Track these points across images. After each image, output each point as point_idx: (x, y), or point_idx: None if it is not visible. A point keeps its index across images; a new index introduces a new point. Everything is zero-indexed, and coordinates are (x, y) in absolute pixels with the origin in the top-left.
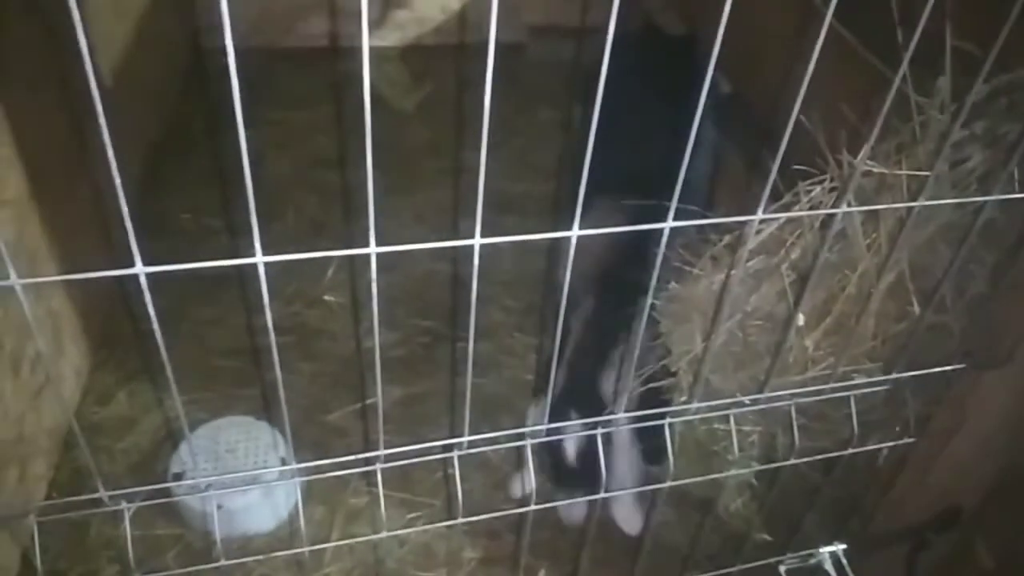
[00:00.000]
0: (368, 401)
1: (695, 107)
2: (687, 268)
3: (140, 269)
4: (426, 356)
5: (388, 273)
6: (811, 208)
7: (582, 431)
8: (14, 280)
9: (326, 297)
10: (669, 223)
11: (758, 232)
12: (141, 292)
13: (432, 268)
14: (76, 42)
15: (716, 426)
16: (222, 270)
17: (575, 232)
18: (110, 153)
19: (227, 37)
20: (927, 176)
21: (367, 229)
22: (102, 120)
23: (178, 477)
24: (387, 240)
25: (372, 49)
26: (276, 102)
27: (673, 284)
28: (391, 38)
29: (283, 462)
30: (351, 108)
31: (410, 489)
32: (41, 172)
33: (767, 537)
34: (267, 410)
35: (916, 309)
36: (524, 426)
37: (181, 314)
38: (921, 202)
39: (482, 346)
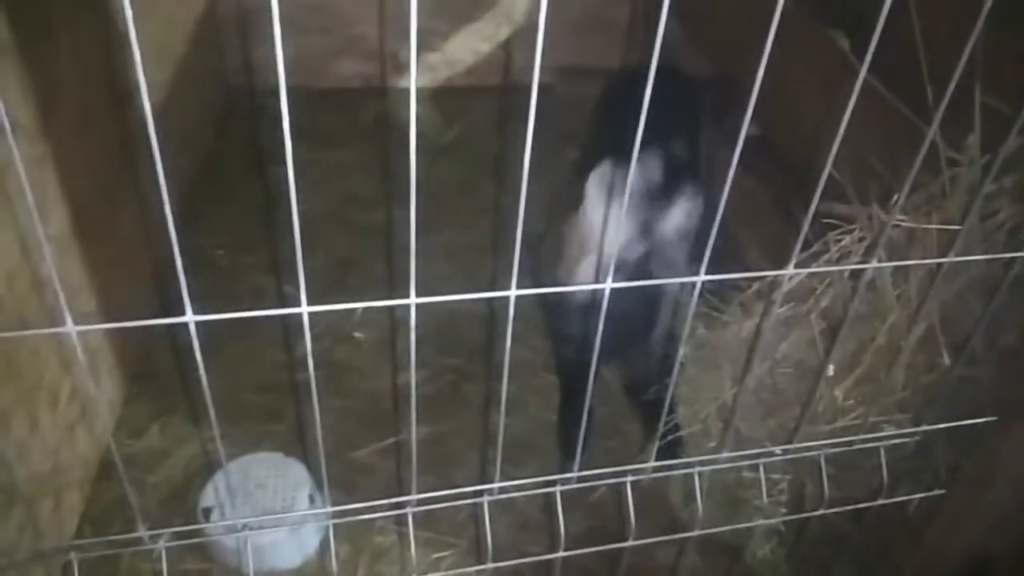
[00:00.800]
0: (393, 440)
1: (723, 148)
2: (715, 314)
3: (191, 318)
4: (452, 394)
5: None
6: (840, 257)
7: (611, 479)
8: (70, 327)
9: (356, 334)
10: (702, 276)
11: (788, 280)
12: (178, 328)
13: (458, 307)
14: (122, 85)
15: (745, 474)
16: (257, 304)
17: (608, 284)
18: (167, 208)
19: (281, 82)
20: (957, 230)
21: (399, 270)
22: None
23: (208, 512)
24: (418, 278)
25: (403, 90)
26: (309, 141)
27: (701, 330)
28: (422, 80)
29: (311, 499)
30: (383, 147)
31: (435, 528)
32: (83, 208)
33: None
34: (296, 446)
35: (946, 361)
36: (551, 468)
37: (212, 348)
38: (951, 258)
39: (509, 386)
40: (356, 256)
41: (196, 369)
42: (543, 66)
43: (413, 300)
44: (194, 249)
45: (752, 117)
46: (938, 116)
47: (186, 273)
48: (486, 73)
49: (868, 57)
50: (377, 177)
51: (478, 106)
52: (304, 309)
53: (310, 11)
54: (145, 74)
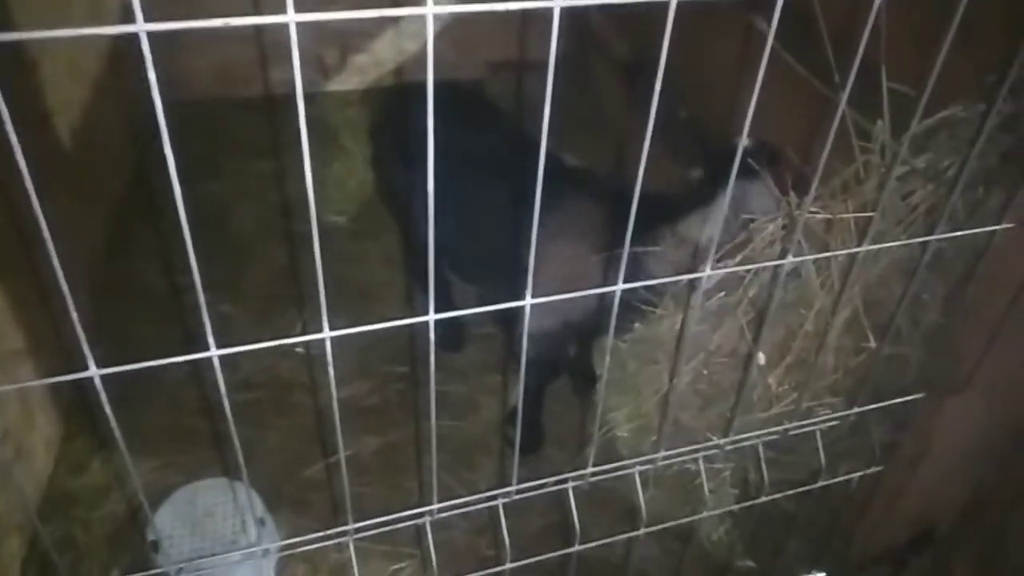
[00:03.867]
0: (335, 458)
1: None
2: (649, 309)
3: (94, 372)
4: (401, 402)
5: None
6: (764, 247)
7: (552, 487)
8: None
9: (298, 348)
10: (620, 286)
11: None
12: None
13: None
14: (36, 109)
15: (688, 466)
16: (194, 320)
17: (528, 301)
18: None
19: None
20: (872, 216)
21: (336, 279)
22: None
23: (156, 545)
24: (355, 288)
25: (333, 93)
26: (239, 152)
27: (637, 325)
28: (352, 82)
29: (262, 522)
30: (313, 155)
31: (390, 540)
32: (2, 246)
33: (751, 564)
34: (243, 470)
35: (872, 343)
36: (498, 477)
37: (153, 373)
38: (865, 247)
39: (458, 388)
40: (295, 267)
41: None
42: (473, 62)
43: (327, 334)
44: (126, 272)
45: (679, 100)
46: (843, 101)
47: (117, 298)
48: (414, 71)
49: (772, 29)
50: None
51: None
52: (214, 353)
53: (232, 11)
54: (59, 97)
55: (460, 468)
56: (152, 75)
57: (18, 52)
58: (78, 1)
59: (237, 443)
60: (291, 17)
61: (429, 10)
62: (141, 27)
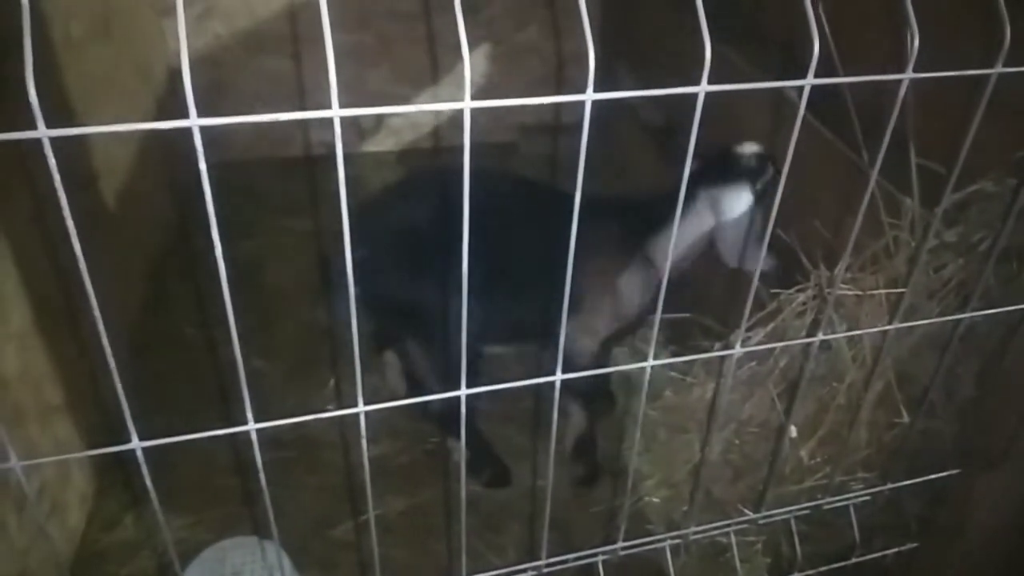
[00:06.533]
0: (363, 518)
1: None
2: (680, 377)
3: (136, 444)
4: (429, 464)
5: None
6: (795, 318)
7: (582, 560)
8: (15, 463)
9: (329, 407)
10: (650, 362)
11: (745, 340)
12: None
13: None
14: (81, 171)
15: (719, 539)
16: (225, 382)
17: (559, 377)
18: (106, 348)
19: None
20: (903, 292)
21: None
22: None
23: None
24: None
25: (370, 154)
26: (278, 210)
27: (668, 393)
28: (388, 143)
29: None
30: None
31: None
32: (45, 302)
33: None
34: (274, 531)
35: (905, 418)
36: (530, 546)
37: (185, 429)
38: (897, 324)
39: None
40: (328, 326)
41: (169, 451)
42: (507, 125)
43: (362, 408)
44: (164, 329)
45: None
46: (873, 178)
47: (156, 354)
48: (450, 134)
49: (800, 115)
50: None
51: (446, 165)
52: (252, 427)
53: (273, 82)
54: (104, 158)
55: (488, 532)
56: (203, 165)
57: (68, 116)
58: (125, 65)
59: (269, 505)
60: (335, 112)
61: (467, 104)
62: (195, 122)
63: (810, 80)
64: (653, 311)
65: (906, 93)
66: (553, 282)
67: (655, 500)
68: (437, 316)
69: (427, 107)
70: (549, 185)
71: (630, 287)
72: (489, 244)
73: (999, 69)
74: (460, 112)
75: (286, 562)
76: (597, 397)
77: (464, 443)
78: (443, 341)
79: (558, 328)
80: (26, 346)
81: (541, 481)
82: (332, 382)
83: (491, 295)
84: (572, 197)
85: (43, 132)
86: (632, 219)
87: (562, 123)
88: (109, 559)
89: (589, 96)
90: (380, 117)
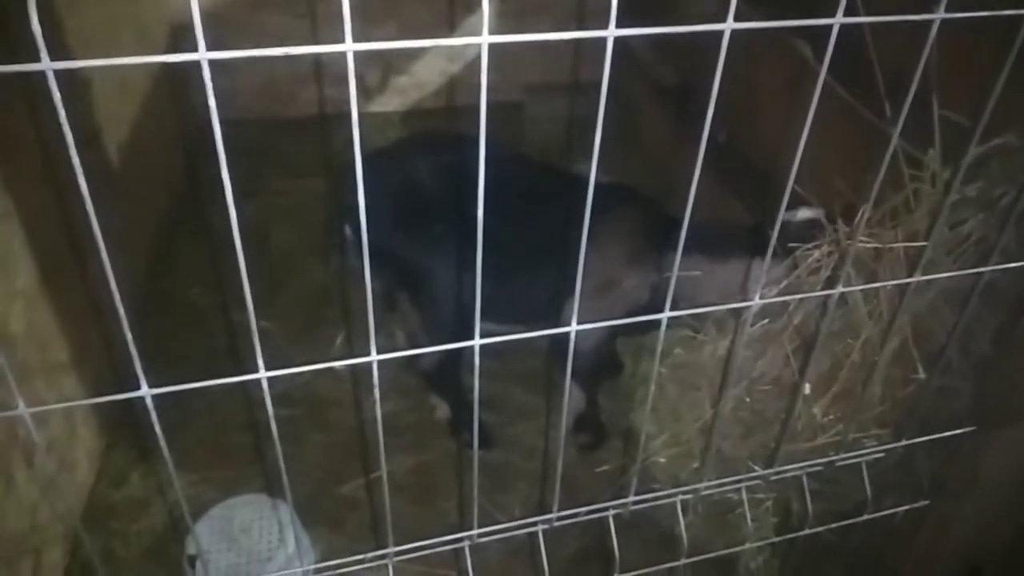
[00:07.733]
0: (374, 475)
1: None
2: (691, 335)
3: (146, 391)
4: (436, 424)
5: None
6: (810, 273)
7: (593, 515)
8: (23, 410)
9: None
10: (667, 313)
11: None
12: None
13: None
14: (85, 129)
15: (729, 495)
16: (232, 342)
17: (574, 328)
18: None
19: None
20: (923, 245)
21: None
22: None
23: (193, 560)
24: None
25: (375, 114)
26: (279, 171)
27: (678, 351)
28: (393, 103)
29: (298, 540)
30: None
31: (426, 561)
32: (51, 260)
33: None
34: (280, 486)
35: (921, 375)
36: (534, 500)
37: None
38: (917, 278)
39: (492, 417)
40: (334, 286)
41: (176, 409)
42: (513, 85)
43: (375, 357)
44: (168, 290)
45: (720, 124)
46: (897, 131)
47: (160, 314)
48: (455, 94)
49: (826, 60)
50: None
51: (449, 127)
52: (263, 375)
53: (279, 40)
54: (108, 114)
55: (495, 490)
56: (212, 100)
57: (70, 72)
58: (127, 28)
59: (282, 463)
60: (349, 46)
61: (484, 39)
62: (203, 55)
63: (839, 19)
64: (660, 306)
65: (932, 41)
66: (558, 261)
67: (661, 460)
68: (435, 273)
69: (445, 41)
70: (563, 168)
71: (637, 279)
72: (493, 219)
73: None
74: (466, 72)
75: (295, 517)
76: (604, 367)
77: (452, 401)
78: (440, 300)
79: (556, 314)
80: (32, 304)
81: (544, 444)
82: (339, 338)
83: (493, 271)
84: (580, 179)
85: (47, 64)
86: (655, 224)
87: (568, 83)
88: (118, 515)
89: (611, 32)
90: (385, 76)
